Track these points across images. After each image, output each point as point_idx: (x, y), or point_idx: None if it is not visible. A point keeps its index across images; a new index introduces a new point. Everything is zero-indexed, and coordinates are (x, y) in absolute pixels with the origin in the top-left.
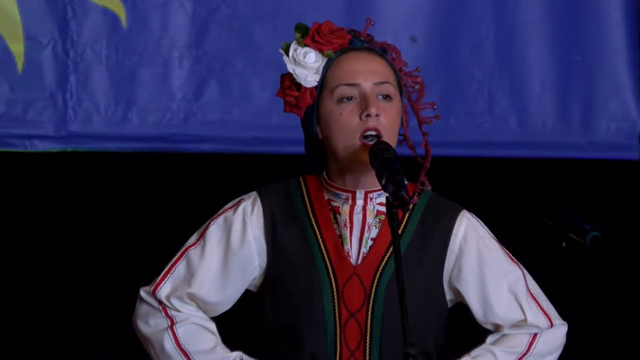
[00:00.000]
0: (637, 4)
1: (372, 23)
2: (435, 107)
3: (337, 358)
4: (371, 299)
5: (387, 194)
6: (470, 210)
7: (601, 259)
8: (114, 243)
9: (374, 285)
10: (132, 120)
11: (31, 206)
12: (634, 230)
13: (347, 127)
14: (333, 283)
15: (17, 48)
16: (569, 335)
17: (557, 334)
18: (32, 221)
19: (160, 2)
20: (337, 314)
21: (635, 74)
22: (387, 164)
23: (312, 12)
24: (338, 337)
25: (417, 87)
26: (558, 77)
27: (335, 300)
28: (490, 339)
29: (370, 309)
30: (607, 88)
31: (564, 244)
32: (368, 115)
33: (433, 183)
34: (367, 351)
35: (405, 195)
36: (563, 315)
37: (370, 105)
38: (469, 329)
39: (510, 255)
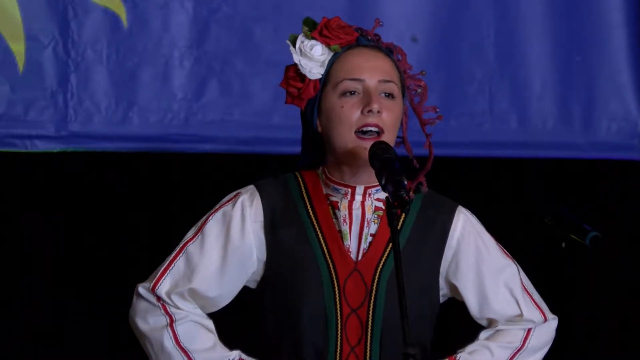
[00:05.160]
0: (637, 4)
1: (381, 23)
2: (437, 110)
3: (338, 354)
4: (372, 295)
5: (387, 194)
6: (470, 209)
7: (601, 259)
8: (113, 243)
9: (375, 281)
10: (133, 120)
11: (31, 206)
12: (634, 230)
13: (346, 120)
14: (334, 278)
15: (18, 48)
16: (569, 334)
17: (549, 328)
18: (32, 221)
19: (160, 2)
20: (338, 310)
21: (635, 74)
22: (387, 164)
23: (313, 13)
24: (339, 332)
25: (419, 90)
26: (559, 77)
27: (337, 296)
28: (484, 334)
29: (371, 305)
30: (607, 88)
31: (564, 244)
32: (370, 111)
33: (433, 183)
34: (368, 347)
35: (405, 195)
36: (562, 315)
37: (373, 101)
38: (459, 325)
39: (505, 250)
